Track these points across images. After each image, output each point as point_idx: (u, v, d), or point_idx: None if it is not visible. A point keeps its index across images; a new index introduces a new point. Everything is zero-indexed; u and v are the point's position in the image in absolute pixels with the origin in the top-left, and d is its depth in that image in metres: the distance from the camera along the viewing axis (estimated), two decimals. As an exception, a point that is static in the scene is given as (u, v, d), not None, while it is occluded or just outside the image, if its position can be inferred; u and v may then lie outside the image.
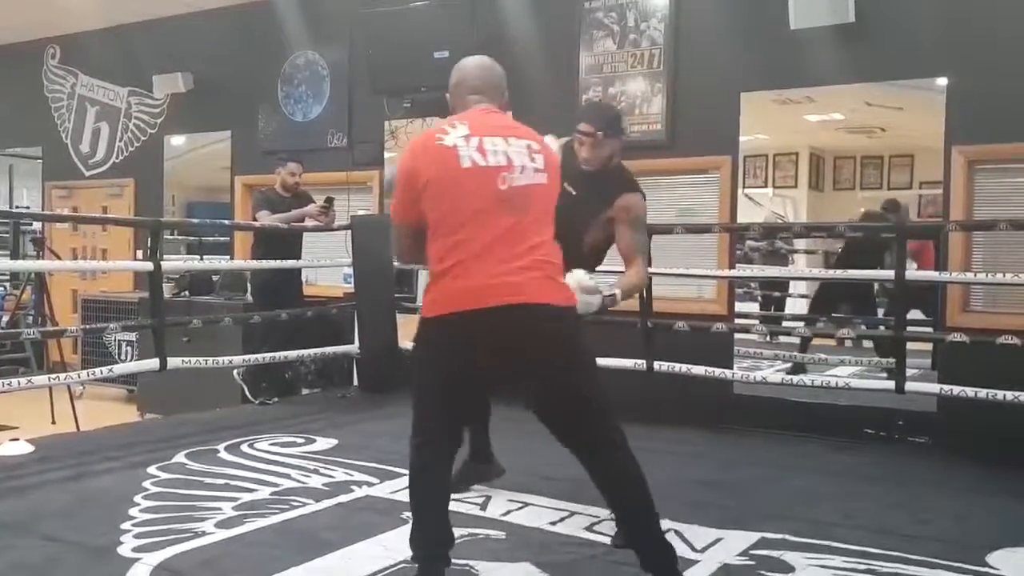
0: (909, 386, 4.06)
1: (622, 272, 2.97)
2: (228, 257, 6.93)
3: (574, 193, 2.82)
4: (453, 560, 2.39)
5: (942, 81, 4.43)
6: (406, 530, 2.92)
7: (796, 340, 5.36)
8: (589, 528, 3.00)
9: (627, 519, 2.39)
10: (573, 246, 2.76)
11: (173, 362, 4.46)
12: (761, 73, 4.86)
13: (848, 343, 5.22)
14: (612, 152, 3.02)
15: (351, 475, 3.64)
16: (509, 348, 2.17)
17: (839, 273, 4.85)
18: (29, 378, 5.03)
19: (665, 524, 3.00)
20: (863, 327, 5.37)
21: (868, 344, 5.24)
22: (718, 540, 2.90)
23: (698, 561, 2.71)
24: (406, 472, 3.57)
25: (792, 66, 4.72)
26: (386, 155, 6.18)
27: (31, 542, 2.80)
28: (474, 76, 2.45)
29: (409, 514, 2.40)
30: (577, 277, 2.52)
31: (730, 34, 4.93)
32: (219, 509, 3.14)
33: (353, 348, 5.64)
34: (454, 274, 2.17)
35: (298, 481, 3.55)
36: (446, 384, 2.26)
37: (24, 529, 2.92)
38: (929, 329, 4.78)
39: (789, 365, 5.28)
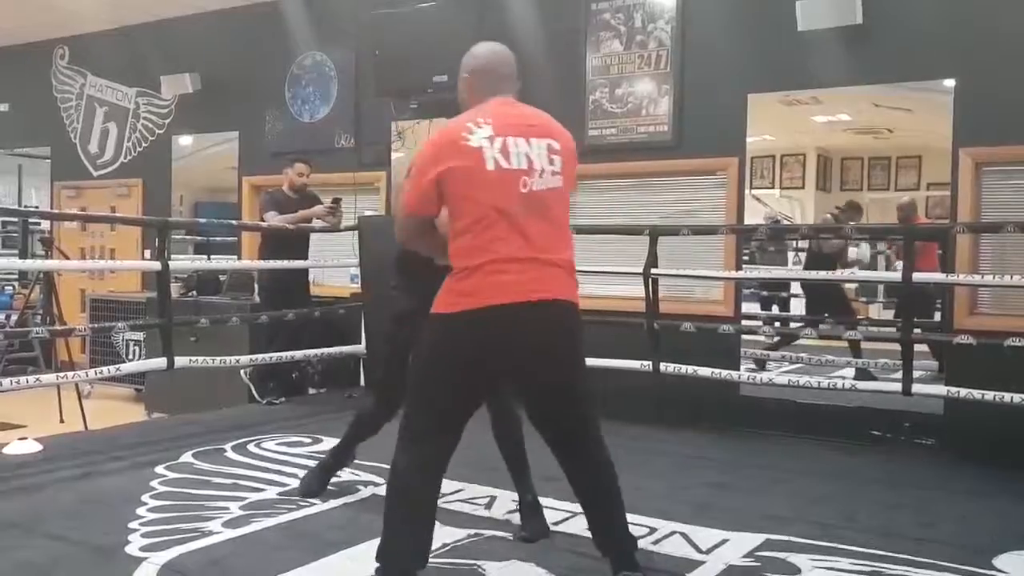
0: (916, 388, 4.05)
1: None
2: (235, 257, 6.95)
3: None
4: (459, 560, 2.39)
5: (949, 82, 4.42)
6: (412, 530, 2.94)
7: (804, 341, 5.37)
8: (594, 529, 3.00)
9: (599, 504, 2.42)
10: None
11: (180, 361, 4.47)
12: (768, 74, 4.85)
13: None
14: None
15: (357, 475, 3.64)
16: (540, 341, 2.22)
17: (844, 274, 4.85)
18: (37, 377, 5.06)
19: (671, 526, 3.02)
20: (869, 329, 5.37)
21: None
22: (724, 541, 2.90)
23: (704, 562, 2.71)
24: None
25: (799, 67, 4.71)
26: (393, 156, 6.19)
27: (38, 541, 2.81)
28: (491, 65, 2.39)
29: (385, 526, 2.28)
30: None
31: (737, 35, 4.92)
32: (226, 509, 3.15)
33: (360, 348, 5.65)
34: (487, 271, 2.17)
35: (304, 481, 3.56)
36: (464, 380, 2.25)
37: (31, 528, 2.93)
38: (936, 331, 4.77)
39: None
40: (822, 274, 5.24)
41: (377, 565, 2.27)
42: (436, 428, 2.27)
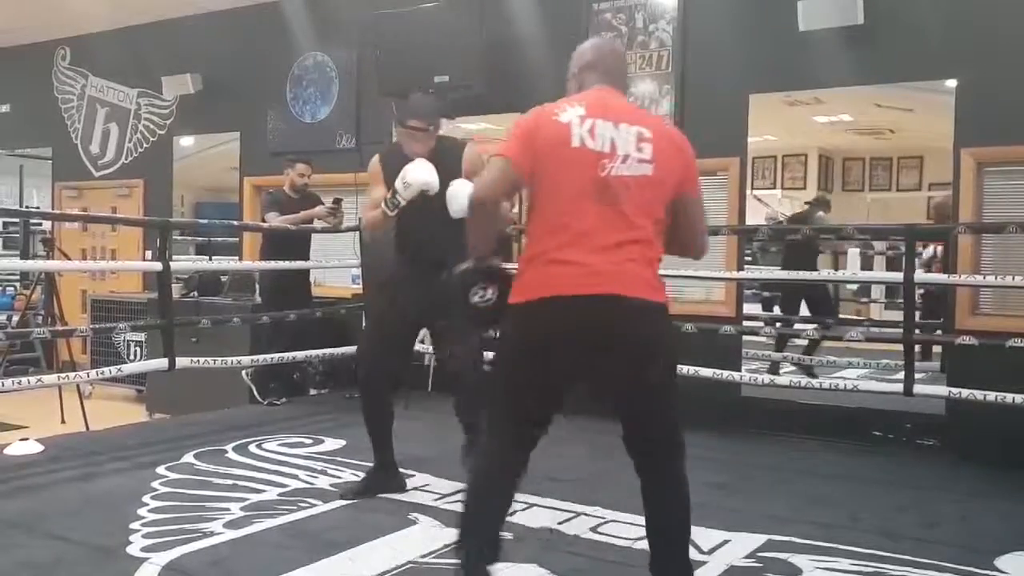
0: (917, 389, 4.04)
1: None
2: (237, 258, 6.95)
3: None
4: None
5: (951, 83, 4.42)
6: (413, 531, 2.95)
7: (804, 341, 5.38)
8: (594, 529, 3.01)
9: (664, 537, 2.30)
10: (453, 232, 2.73)
11: (182, 362, 4.47)
12: (769, 74, 4.85)
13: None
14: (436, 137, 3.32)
15: (359, 476, 3.63)
16: (595, 340, 2.08)
17: (845, 275, 4.84)
18: (39, 377, 5.06)
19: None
20: (871, 329, 5.37)
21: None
22: (725, 542, 2.90)
23: (705, 563, 2.71)
24: (413, 473, 3.64)
25: (801, 68, 4.71)
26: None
27: (40, 541, 2.81)
28: (596, 59, 2.32)
29: (458, 508, 2.25)
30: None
31: (738, 35, 4.92)
32: (227, 509, 3.15)
33: (361, 349, 5.65)
34: (548, 258, 2.10)
35: (306, 482, 3.56)
36: (529, 371, 2.15)
37: (33, 528, 2.94)
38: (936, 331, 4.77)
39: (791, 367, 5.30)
40: (824, 274, 5.23)
41: (455, 545, 2.24)
42: (516, 418, 2.20)
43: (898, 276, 4.24)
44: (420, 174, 3.13)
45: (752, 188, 5.21)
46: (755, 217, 5.41)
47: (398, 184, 3.16)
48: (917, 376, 4.06)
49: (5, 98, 8.49)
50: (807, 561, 2.74)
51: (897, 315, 4.70)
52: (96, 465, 3.79)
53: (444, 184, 2.98)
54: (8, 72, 8.43)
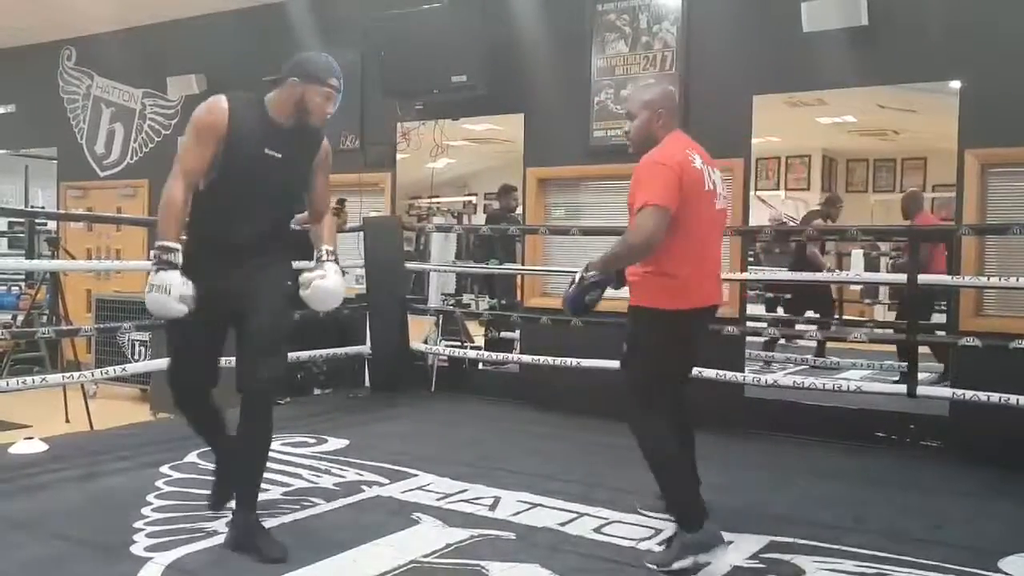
0: (921, 390, 4.04)
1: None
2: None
3: (280, 156, 2.77)
4: (462, 560, 2.39)
5: (955, 84, 4.41)
6: (416, 531, 2.95)
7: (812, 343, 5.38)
8: (598, 529, 3.01)
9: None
10: (286, 210, 2.89)
11: (186, 362, 4.47)
12: (773, 75, 4.84)
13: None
14: None
15: (362, 475, 3.65)
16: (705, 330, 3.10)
17: (849, 275, 4.84)
18: (43, 377, 5.07)
19: (675, 527, 3.01)
20: (875, 331, 5.37)
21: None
22: (728, 543, 2.89)
23: (708, 563, 2.70)
24: (416, 473, 3.64)
25: (804, 69, 4.70)
26: (398, 157, 6.20)
27: (43, 540, 2.82)
28: (674, 102, 2.93)
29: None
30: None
31: (742, 36, 4.92)
32: (231, 509, 3.15)
33: (364, 349, 5.66)
34: (689, 275, 2.75)
35: (309, 481, 3.57)
36: (675, 365, 2.89)
37: (37, 528, 2.94)
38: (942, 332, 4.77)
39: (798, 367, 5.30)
40: (827, 275, 5.23)
41: (679, 527, 2.71)
42: (663, 403, 2.80)
43: (902, 278, 4.24)
44: (333, 295, 2.92)
45: (756, 189, 5.21)
46: (758, 219, 5.40)
47: (305, 290, 2.87)
48: (921, 377, 4.05)
49: (10, 98, 8.51)
50: (810, 562, 2.73)
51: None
52: (100, 464, 3.80)
53: (299, 160, 2.83)
54: (13, 72, 8.45)
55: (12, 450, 3.97)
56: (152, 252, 2.57)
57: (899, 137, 5.99)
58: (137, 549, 2.72)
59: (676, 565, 2.62)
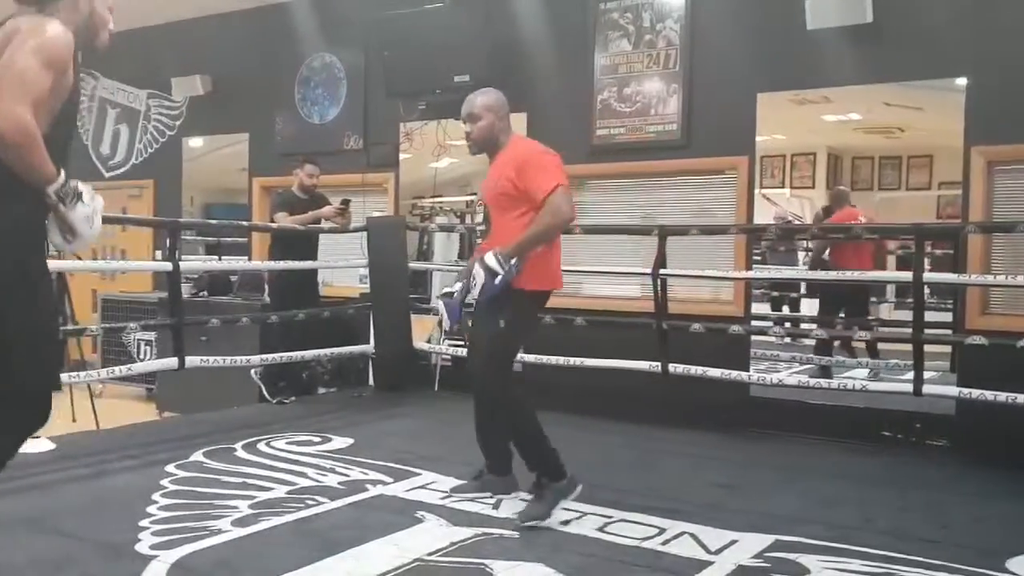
0: (927, 389, 4.02)
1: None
2: (246, 258, 6.96)
3: None
4: (466, 559, 2.39)
5: (961, 81, 4.39)
6: (420, 529, 2.95)
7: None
8: (601, 529, 3.00)
9: None
10: None
11: (191, 361, 4.49)
12: (778, 73, 4.83)
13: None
14: None
15: (366, 474, 3.65)
16: None
17: (856, 275, 4.82)
18: (49, 377, 5.06)
19: (680, 526, 3.02)
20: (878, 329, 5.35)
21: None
22: (733, 542, 2.89)
23: (712, 563, 2.70)
24: (420, 471, 3.65)
25: (809, 66, 4.69)
26: (401, 157, 6.20)
27: (50, 539, 2.83)
28: (507, 107, 3.20)
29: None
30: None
31: (746, 34, 4.90)
32: (236, 507, 3.16)
33: (369, 348, 5.66)
34: (555, 259, 3.16)
35: (314, 480, 3.57)
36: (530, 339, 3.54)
37: (43, 526, 2.95)
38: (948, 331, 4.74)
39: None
40: (831, 274, 5.21)
41: (549, 479, 3.08)
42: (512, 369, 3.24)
43: (907, 276, 4.22)
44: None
45: (761, 187, 5.20)
46: (763, 217, 5.39)
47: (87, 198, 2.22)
48: (927, 376, 4.04)
49: (16, 99, 8.53)
50: (816, 561, 2.72)
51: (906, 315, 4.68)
52: (106, 463, 3.81)
53: None
54: (19, 73, 8.47)
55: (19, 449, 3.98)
56: (54, 191, 2.16)
57: (905, 134, 5.96)
58: (143, 547, 2.73)
59: (554, 513, 3.01)
